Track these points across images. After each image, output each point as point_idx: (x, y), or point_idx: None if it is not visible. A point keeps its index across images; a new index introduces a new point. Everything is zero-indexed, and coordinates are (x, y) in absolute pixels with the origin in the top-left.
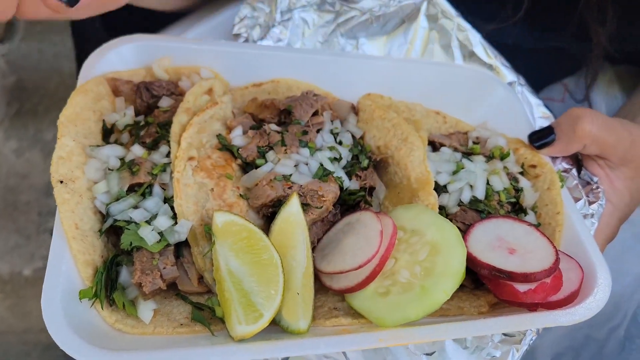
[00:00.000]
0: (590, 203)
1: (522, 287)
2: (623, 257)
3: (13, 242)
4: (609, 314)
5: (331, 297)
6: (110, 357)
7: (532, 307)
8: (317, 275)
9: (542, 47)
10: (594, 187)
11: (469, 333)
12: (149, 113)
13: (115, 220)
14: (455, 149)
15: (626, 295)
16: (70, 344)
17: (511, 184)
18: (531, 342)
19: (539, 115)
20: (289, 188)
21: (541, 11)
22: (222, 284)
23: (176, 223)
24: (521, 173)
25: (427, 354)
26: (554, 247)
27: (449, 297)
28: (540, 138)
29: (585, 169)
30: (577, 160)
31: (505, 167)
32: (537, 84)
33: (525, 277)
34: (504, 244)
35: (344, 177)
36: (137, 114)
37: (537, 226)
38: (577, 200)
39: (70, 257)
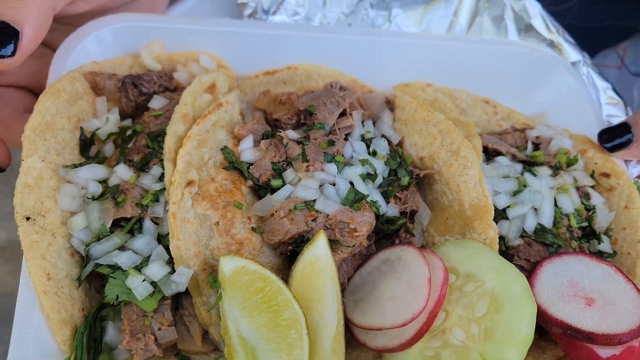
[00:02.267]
0: None
1: (603, 352)
2: None
3: (10, 207)
4: None
5: (365, 352)
6: None
7: None
8: (348, 326)
9: (601, 25)
10: None
11: None
12: (138, 115)
13: (98, 265)
14: (514, 157)
15: None
16: None
17: (582, 201)
18: None
19: (606, 102)
20: (313, 220)
21: None
22: (233, 355)
23: (173, 270)
24: (592, 186)
25: None
26: None
27: None
28: (614, 137)
29: None
30: None
31: (574, 180)
32: (590, 50)
33: (608, 340)
34: (580, 292)
35: (381, 201)
36: (122, 116)
37: (612, 256)
38: None
39: (41, 317)
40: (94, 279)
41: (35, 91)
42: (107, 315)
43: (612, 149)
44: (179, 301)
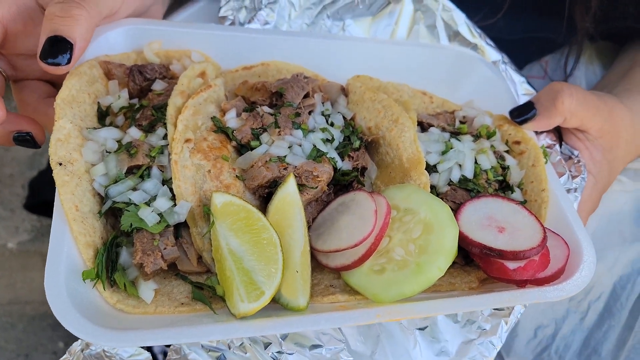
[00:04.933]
0: (574, 177)
1: (511, 265)
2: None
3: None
4: (589, 287)
5: (327, 275)
6: (116, 336)
7: (521, 284)
8: (313, 254)
9: (524, 37)
10: (575, 160)
11: (462, 308)
12: (143, 96)
13: (114, 202)
14: (444, 129)
15: (605, 268)
16: (75, 324)
17: (498, 162)
18: (519, 315)
19: (523, 93)
20: (285, 169)
21: (525, 7)
22: (223, 263)
23: (175, 204)
24: (507, 151)
25: (420, 329)
26: (541, 224)
27: (443, 273)
28: (522, 114)
29: (565, 143)
30: (559, 135)
31: (492, 146)
32: (517, 64)
33: (514, 255)
34: (494, 223)
35: (337, 158)
36: (130, 97)
37: (524, 203)
38: (561, 175)
39: (71, 239)
40: (109, 217)
41: (54, 82)
42: (122, 242)
43: (521, 123)
44: (179, 232)
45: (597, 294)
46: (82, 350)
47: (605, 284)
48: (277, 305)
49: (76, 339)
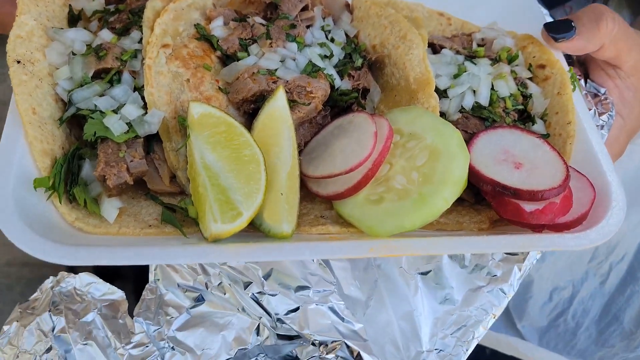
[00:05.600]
0: (600, 114)
1: (528, 207)
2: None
3: None
4: (612, 245)
5: (318, 205)
6: (67, 252)
7: (538, 229)
8: (303, 181)
9: None
10: (602, 98)
11: (471, 249)
12: (121, 2)
13: (79, 109)
14: (457, 52)
15: (630, 227)
16: (21, 235)
17: (519, 89)
18: (534, 261)
19: None
20: (274, 82)
21: None
22: (197, 179)
23: (146, 113)
24: (530, 78)
25: (422, 274)
26: (564, 162)
27: (449, 205)
28: (559, 30)
29: (591, 80)
30: (585, 71)
31: (513, 72)
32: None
33: (532, 195)
34: (510, 157)
35: (336, 76)
36: (107, 3)
37: (546, 137)
38: None
39: (25, 145)
40: (74, 127)
41: None
42: (84, 154)
43: (557, 39)
44: (150, 146)
45: (620, 255)
46: (52, 288)
47: (630, 244)
48: (258, 234)
49: None
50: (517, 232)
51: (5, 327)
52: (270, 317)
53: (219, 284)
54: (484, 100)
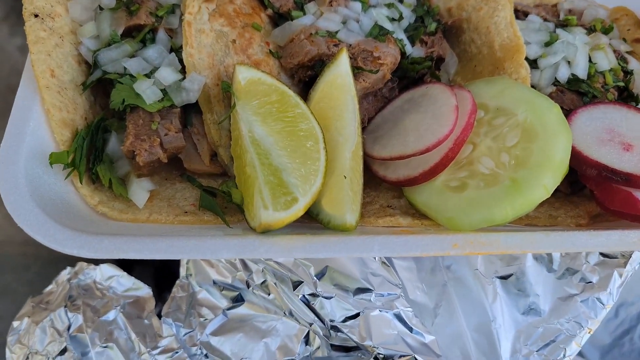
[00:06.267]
0: None
1: None
2: None
3: None
4: None
5: (384, 192)
6: (86, 242)
7: None
8: (367, 163)
9: None
10: None
11: (575, 247)
12: None
13: (105, 73)
14: (545, 19)
15: None
16: (32, 220)
17: (619, 63)
18: (637, 266)
19: None
20: (335, 46)
21: None
22: (243, 156)
23: (184, 78)
24: (629, 52)
25: (501, 277)
26: None
27: (549, 194)
28: None
29: None
30: None
31: (610, 44)
32: None
33: None
34: (617, 137)
35: (406, 41)
36: None
37: None
38: None
39: (41, 113)
40: (99, 94)
41: None
42: (111, 126)
43: None
44: (188, 118)
45: None
46: (69, 280)
47: None
48: (314, 224)
49: None
50: (623, 227)
51: (15, 323)
52: (324, 323)
53: (262, 283)
54: (581, 73)
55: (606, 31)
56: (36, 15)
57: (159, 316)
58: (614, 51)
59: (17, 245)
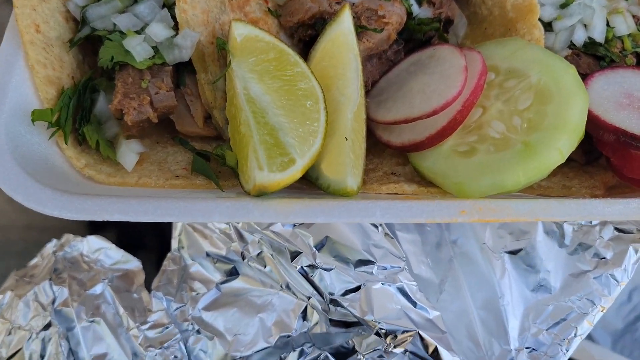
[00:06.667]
0: None
1: None
2: None
3: None
4: None
5: (388, 158)
6: (67, 202)
7: None
8: (370, 127)
9: None
10: None
11: (593, 214)
12: None
13: (94, 30)
14: None
15: None
16: (12, 178)
17: (638, 28)
18: None
19: None
20: (337, 3)
21: None
22: (238, 116)
23: (177, 35)
24: None
25: (510, 252)
26: None
27: (564, 158)
28: None
29: None
30: None
31: (629, 10)
32: None
33: None
34: (636, 102)
35: (412, 1)
36: None
37: None
38: None
39: (25, 69)
40: (88, 53)
41: None
42: (99, 85)
43: None
44: (181, 77)
45: None
46: (54, 253)
47: None
48: (313, 190)
49: None
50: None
51: None
52: (323, 297)
53: (258, 254)
54: (599, 36)
55: None
56: None
57: (149, 290)
58: (633, 16)
59: (19, 230)
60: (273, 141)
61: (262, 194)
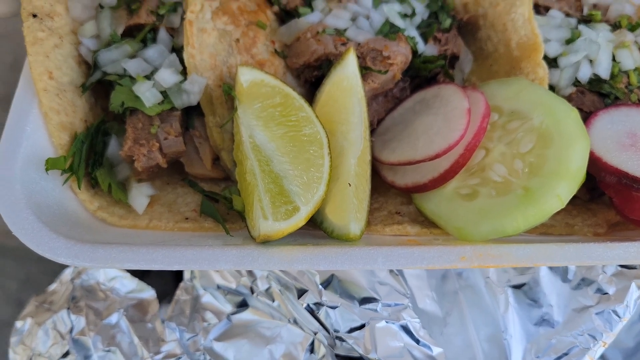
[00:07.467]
0: None
1: None
2: None
3: None
4: None
5: (393, 198)
6: (81, 251)
7: None
8: (375, 167)
9: None
10: None
11: (591, 259)
12: None
13: (105, 74)
14: (567, 15)
15: None
16: (24, 225)
17: None
18: None
19: None
20: (343, 45)
21: None
22: (244, 162)
23: (186, 80)
24: None
25: (514, 287)
26: None
27: (563, 205)
28: None
29: None
30: None
31: (635, 42)
32: None
33: None
34: (639, 142)
35: (418, 39)
36: None
37: None
38: None
39: (39, 116)
40: (101, 96)
41: None
42: (111, 129)
43: None
44: (190, 121)
45: None
46: (72, 280)
47: None
48: (317, 232)
49: None
50: None
51: (18, 324)
52: (329, 333)
53: (266, 289)
54: (604, 72)
55: (632, 28)
56: (35, 15)
57: (162, 320)
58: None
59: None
60: (277, 189)
61: (267, 241)
